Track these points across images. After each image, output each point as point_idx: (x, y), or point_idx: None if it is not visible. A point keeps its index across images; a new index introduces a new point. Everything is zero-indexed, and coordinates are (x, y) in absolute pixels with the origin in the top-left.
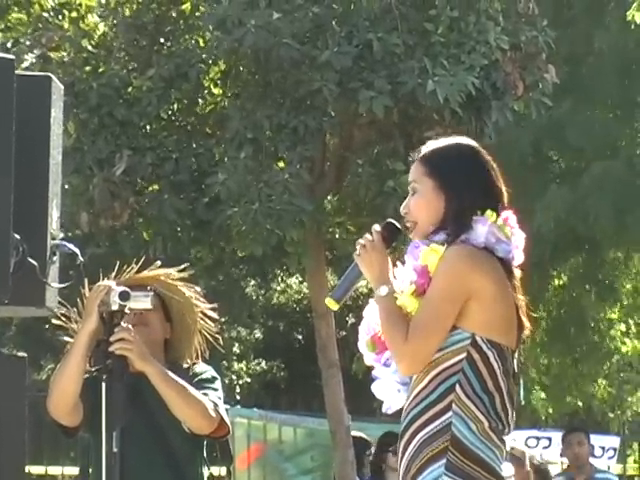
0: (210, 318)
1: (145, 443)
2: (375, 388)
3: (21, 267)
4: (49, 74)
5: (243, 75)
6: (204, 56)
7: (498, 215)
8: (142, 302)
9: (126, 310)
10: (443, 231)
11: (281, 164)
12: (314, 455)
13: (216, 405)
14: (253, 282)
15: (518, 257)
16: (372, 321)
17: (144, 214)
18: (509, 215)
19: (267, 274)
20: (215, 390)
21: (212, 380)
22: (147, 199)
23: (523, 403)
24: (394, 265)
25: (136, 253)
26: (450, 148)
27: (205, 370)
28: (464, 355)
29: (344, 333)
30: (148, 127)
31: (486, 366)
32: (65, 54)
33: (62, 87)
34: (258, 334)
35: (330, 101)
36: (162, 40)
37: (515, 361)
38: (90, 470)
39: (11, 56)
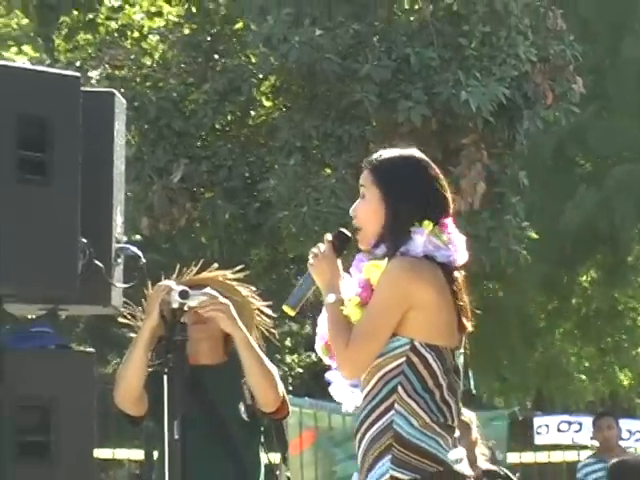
0: (265, 315)
1: (205, 431)
2: (331, 390)
3: (88, 269)
4: (112, 90)
5: (292, 88)
6: (255, 71)
7: (437, 224)
8: (200, 300)
9: (185, 308)
10: (383, 243)
11: (328, 170)
12: None
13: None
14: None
15: (461, 258)
16: (325, 328)
17: (200, 219)
18: (447, 222)
19: None
20: None
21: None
22: (202, 205)
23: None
24: (346, 272)
25: (194, 256)
26: (397, 160)
27: None
28: (404, 359)
29: None
30: (204, 138)
31: (426, 367)
32: (127, 71)
33: (124, 102)
34: (308, 328)
35: (371, 111)
36: (216, 57)
37: (460, 358)
38: (155, 455)
39: (77, 74)
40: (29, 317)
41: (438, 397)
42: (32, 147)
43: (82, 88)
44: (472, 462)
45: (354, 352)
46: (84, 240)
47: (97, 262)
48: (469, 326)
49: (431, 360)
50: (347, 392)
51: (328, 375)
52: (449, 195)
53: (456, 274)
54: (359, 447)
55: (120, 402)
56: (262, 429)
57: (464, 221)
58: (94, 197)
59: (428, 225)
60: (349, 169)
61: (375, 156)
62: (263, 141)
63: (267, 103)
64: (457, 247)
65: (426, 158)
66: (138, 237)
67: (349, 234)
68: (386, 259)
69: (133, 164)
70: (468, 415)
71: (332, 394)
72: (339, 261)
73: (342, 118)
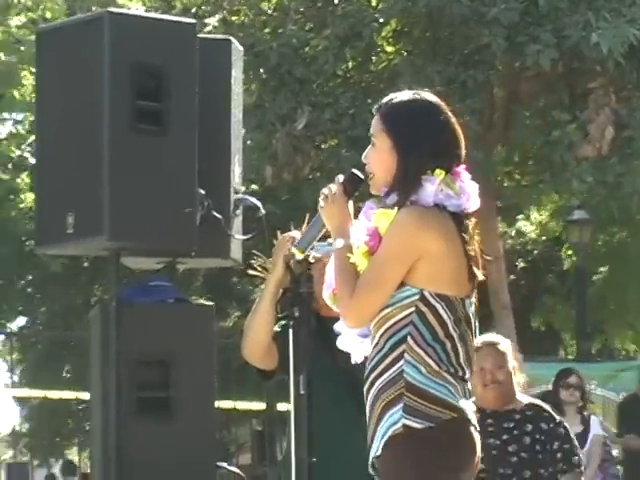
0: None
1: (333, 384)
2: (339, 342)
3: (206, 220)
4: (229, 37)
5: (414, 33)
6: (377, 15)
7: (448, 172)
8: (325, 251)
9: (310, 259)
10: (394, 192)
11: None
12: None
13: None
14: None
15: (472, 205)
16: (332, 275)
17: (323, 168)
18: (459, 170)
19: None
20: None
21: None
22: (326, 153)
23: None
24: (356, 217)
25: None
26: (407, 104)
27: None
28: (413, 309)
29: (513, 277)
30: (325, 84)
31: (436, 317)
32: (245, 17)
33: (242, 49)
34: None
35: (498, 55)
36: (336, 1)
37: (472, 307)
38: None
39: (193, 21)
40: (147, 271)
41: (449, 347)
42: (148, 96)
43: (198, 35)
44: (511, 395)
45: (358, 301)
46: (202, 191)
47: (215, 213)
48: (480, 275)
49: (441, 310)
50: (356, 342)
51: (337, 326)
52: (462, 142)
53: (467, 222)
54: (367, 398)
55: (248, 355)
56: None
57: (591, 167)
58: (211, 147)
59: (440, 174)
60: (474, 115)
61: (385, 100)
62: (385, 87)
63: (388, 48)
64: (469, 195)
65: (439, 102)
66: (254, 187)
67: (362, 176)
68: (396, 208)
69: (254, 112)
70: (505, 344)
71: (340, 345)
72: (350, 204)
73: (466, 63)
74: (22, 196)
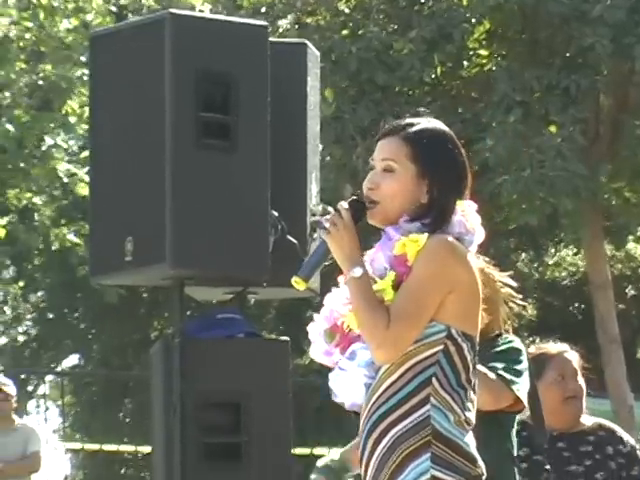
0: (510, 287)
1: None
2: (335, 382)
3: (280, 246)
4: (304, 41)
5: (509, 34)
6: (468, 15)
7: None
8: None
9: None
10: (419, 220)
11: (552, 127)
12: None
13: (502, 378)
14: (524, 255)
15: (476, 243)
16: (334, 309)
17: None
18: (470, 203)
19: (540, 246)
20: (506, 362)
21: (507, 351)
22: None
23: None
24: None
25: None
26: (435, 133)
27: (506, 341)
28: (441, 347)
29: (623, 306)
30: (411, 93)
31: (461, 359)
32: (321, 18)
33: (318, 54)
34: (531, 310)
35: (604, 58)
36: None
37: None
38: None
39: (264, 23)
40: (214, 302)
41: (469, 395)
42: (214, 108)
43: (270, 39)
44: (581, 413)
45: (398, 332)
46: (275, 213)
47: (290, 238)
48: (485, 320)
49: (466, 351)
50: (360, 386)
51: (341, 363)
52: (469, 174)
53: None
54: (374, 447)
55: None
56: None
57: None
58: (285, 163)
59: (461, 205)
60: (577, 125)
61: (405, 124)
62: (478, 95)
63: (482, 52)
64: (475, 231)
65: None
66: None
67: (365, 202)
68: (425, 234)
69: (332, 124)
70: (573, 353)
71: (332, 386)
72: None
73: (568, 67)
74: None
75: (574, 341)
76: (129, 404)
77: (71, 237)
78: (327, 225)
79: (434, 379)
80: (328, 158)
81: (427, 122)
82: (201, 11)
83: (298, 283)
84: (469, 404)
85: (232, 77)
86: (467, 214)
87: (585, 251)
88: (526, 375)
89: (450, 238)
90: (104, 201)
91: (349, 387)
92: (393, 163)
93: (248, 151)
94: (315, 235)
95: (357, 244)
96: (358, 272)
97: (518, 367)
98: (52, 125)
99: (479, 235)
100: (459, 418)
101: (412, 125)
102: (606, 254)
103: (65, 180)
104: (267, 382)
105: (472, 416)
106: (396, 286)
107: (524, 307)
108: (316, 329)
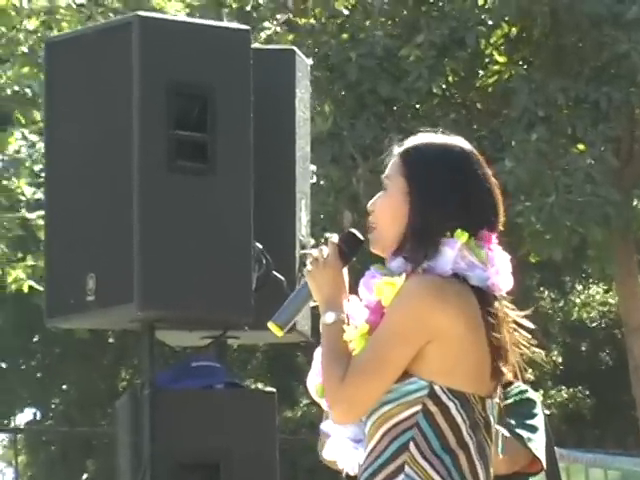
0: (524, 328)
1: None
2: (328, 446)
3: (265, 283)
4: (293, 47)
5: (532, 38)
6: (484, 17)
7: (473, 236)
8: None
9: None
10: (401, 254)
11: (581, 146)
12: None
13: (516, 435)
14: (548, 293)
15: (504, 283)
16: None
17: None
18: (491, 236)
19: (564, 283)
20: (519, 416)
21: (519, 403)
22: None
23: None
24: (351, 291)
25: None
26: (437, 148)
27: (517, 392)
28: (419, 407)
29: None
30: (418, 106)
31: (447, 420)
32: (315, 19)
33: (309, 62)
34: (556, 356)
35: None
36: None
37: (495, 409)
38: None
39: (246, 27)
40: (189, 348)
41: (464, 460)
42: (189, 125)
43: (253, 45)
44: None
45: (351, 389)
46: (259, 245)
47: (277, 274)
48: (507, 373)
49: (454, 410)
50: (348, 449)
51: (324, 426)
52: (499, 206)
53: (496, 304)
54: None
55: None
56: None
57: None
58: (271, 189)
59: (462, 235)
60: (609, 144)
61: (410, 139)
62: (495, 109)
63: (499, 58)
64: (499, 269)
65: (474, 151)
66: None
67: (361, 237)
68: (403, 276)
69: (328, 143)
70: None
71: (326, 452)
72: (345, 271)
73: (599, 77)
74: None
75: (605, 391)
76: (92, 465)
77: (28, 280)
78: (308, 262)
79: (412, 444)
80: (323, 182)
81: (435, 137)
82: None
83: (275, 329)
84: (466, 470)
85: (209, 89)
86: (475, 247)
87: (617, 288)
88: (542, 431)
89: (430, 278)
90: (62, 231)
91: (337, 452)
92: (387, 180)
93: (228, 174)
94: (306, 270)
95: (340, 285)
96: (330, 318)
97: (533, 422)
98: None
99: (504, 275)
100: None
101: (414, 140)
102: None
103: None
104: (250, 440)
105: None
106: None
107: (546, 353)
108: (310, 384)
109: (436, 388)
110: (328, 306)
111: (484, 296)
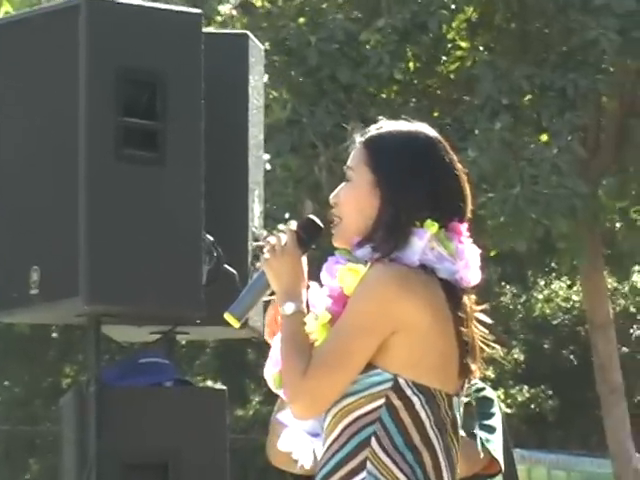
0: (482, 323)
1: None
2: (282, 439)
3: (216, 277)
4: (246, 32)
5: (495, 23)
6: (446, 0)
7: (443, 227)
8: None
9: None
10: (369, 244)
11: (545, 136)
12: None
13: (473, 435)
14: (509, 288)
15: (472, 277)
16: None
17: None
18: (461, 227)
19: (527, 278)
20: (477, 416)
21: (476, 402)
22: None
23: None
24: (310, 278)
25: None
26: (402, 136)
27: (474, 390)
28: (382, 401)
29: (627, 349)
30: (379, 92)
31: (410, 415)
32: (270, 3)
33: (262, 47)
34: (518, 354)
35: (610, 54)
36: None
37: (460, 408)
38: None
39: (198, 10)
40: (136, 344)
41: (427, 459)
42: (138, 112)
43: (205, 30)
44: None
45: (313, 382)
46: (210, 238)
47: (228, 267)
48: (474, 370)
49: (418, 406)
50: (305, 443)
51: (281, 416)
52: (467, 194)
53: (463, 297)
54: None
55: (274, 456)
56: None
57: None
58: (222, 179)
59: (431, 226)
60: (575, 133)
61: (372, 127)
62: (457, 97)
63: (462, 44)
64: (468, 262)
65: (440, 137)
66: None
67: (320, 224)
68: (368, 264)
69: (287, 130)
70: None
71: (281, 445)
72: (304, 259)
73: (565, 64)
74: None
75: (569, 391)
76: (35, 464)
77: None
78: (265, 250)
79: (373, 439)
80: (280, 171)
81: (400, 124)
82: None
83: (230, 319)
84: (430, 469)
85: (159, 76)
86: (444, 238)
87: (582, 284)
88: (500, 431)
89: (396, 266)
90: (4, 222)
91: (292, 445)
92: (350, 171)
93: (178, 164)
94: (258, 264)
95: (298, 275)
96: (289, 308)
97: (490, 422)
98: None
99: (473, 269)
100: None
101: (380, 127)
102: (607, 287)
103: None
104: (200, 439)
105: None
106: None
107: (507, 351)
108: (267, 374)
109: (401, 381)
110: (287, 296)
111: (452, 289)
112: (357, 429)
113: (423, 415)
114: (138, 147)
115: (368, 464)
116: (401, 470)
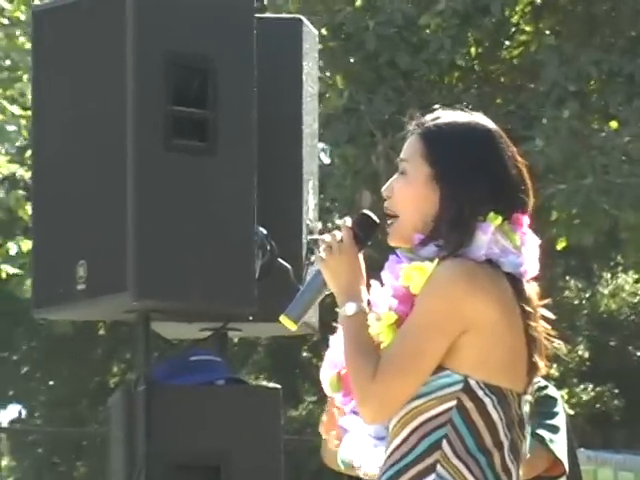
0: (545, 319)
1: None
2: (345, 444)
3: (269, 271)
4: (299, 17)
5: (561, 6)
6: None
7: (506, 219)
8: None
9: None
10: (434, 242)
11: (614, 123)
12: None
13: (537, 436)
14: (573, 283)
15: (531, 269)
16: (339, 351)
17: None
18: (523, 219)
19: (592, 272)
20: (540, 415)
21: (539, 401)
22: None
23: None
24: (370, 277)
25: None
26: (461, 127)
27: (537, 388)
28: (453, 403)
29: None
30: (440, 79)
31: (483, 417)
32: None
33: (316, 33)
34: (582, 351)
35: None
36: None
37: (527, 407)
38: None
39: None
40: (187, 341)
41: (498, 460)
42: (188, 100)
43: (257, 15)
44: None
45: (385, 385)
46: (263, 231)
47: (282, 262)
48: (542, 367)
49: (491, 407)
50: (369, 447)
51: (343, 421)
52: (529, 186)
53: (528, 289)
54: None
55: (330, 459)
56: None
57: None
58: (276, 170)
59: (495, 219)
60: None
61: (429, 117)
62: (521, 83)
63: (526, 28)
64: (531, 253)
65: (498, 129)
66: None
67: (376, 219)
68: (436, 261)
69: (344, 119)
70: None
71: (343, 451)
72: (361, 257)
73: (634, 49)
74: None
75: (635, 389)
76: (82, 467)
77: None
78: (321, 249)
79: (445, 442)
80: (338, 161)
81: (457, 115)
82: None
83: (287, 322)
84: (500, 471)
85: (210, 62)
86: (509, 231)
87: None
88: (564, 431)
89: (465, 263)
90: (50, 215)
91: (355, 449)
92: (405, 163)
93: (229, 154)
94: (313, 258)
95: (357, 273)
96: (351, 309)
97: (554, 422)
98: None
99: (533, 260)
100: None
101: (437, 117)
102: None
103: None
104: (253, 440)
105: None
106: (399, 328)
107: (571, 348)
108: (323, 377)
109: (472, 382)
110: (347, 296)
111: (517, 283)
112: (427, 431)
113: (495, 416)
114: (188, 137)
115: (438, 467)
116: (472, 473)
